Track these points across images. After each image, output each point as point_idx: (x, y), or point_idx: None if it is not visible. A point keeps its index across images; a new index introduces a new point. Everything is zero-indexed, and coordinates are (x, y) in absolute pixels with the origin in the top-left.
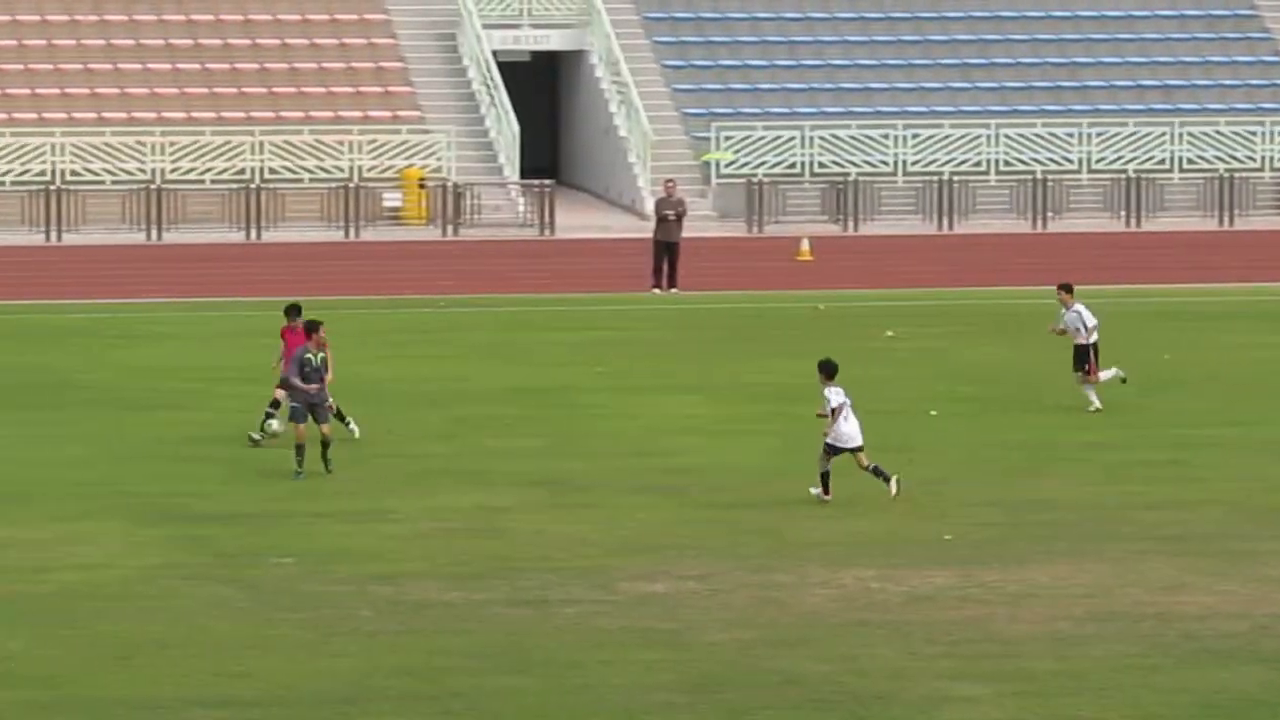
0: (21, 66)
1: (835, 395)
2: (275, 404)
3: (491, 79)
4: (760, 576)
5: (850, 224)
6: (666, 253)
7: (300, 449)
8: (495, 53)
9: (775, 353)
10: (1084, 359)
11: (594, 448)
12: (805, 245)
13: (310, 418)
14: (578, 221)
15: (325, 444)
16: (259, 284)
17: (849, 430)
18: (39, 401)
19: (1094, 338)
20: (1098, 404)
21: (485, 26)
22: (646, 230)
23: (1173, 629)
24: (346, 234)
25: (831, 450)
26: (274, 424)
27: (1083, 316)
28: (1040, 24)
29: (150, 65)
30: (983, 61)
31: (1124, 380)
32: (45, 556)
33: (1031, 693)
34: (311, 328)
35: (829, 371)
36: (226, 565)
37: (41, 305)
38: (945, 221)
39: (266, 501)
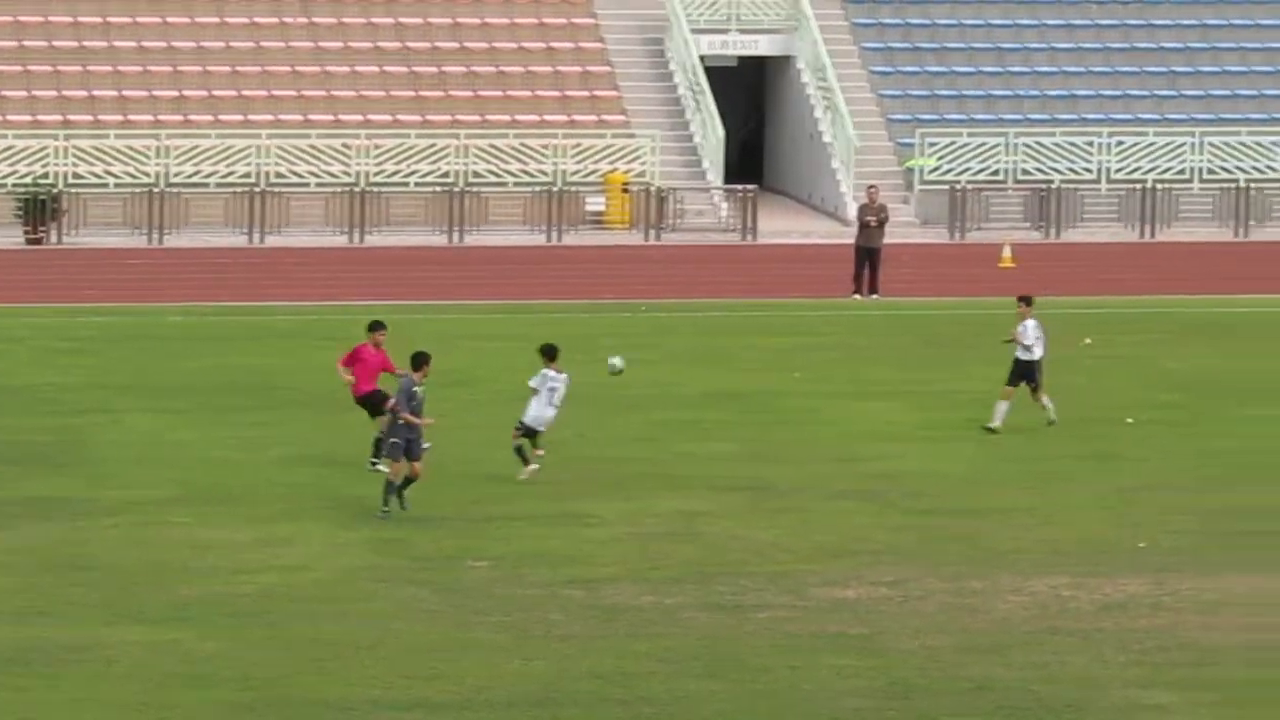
0: (229, 69)
1: (536, 379)
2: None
3: (698, 84)
4: (953, 583)
5: (1052, 231)
6: (868, 258)
7: (399, 487)
8: (702, 57)
9: (975, 360)
10: (1030, 374)
11: (792, 453)
12: (1007, 252)
13: (405, 453)
14: (780, 227)
15: (411, 480)
16: (461, 287)
17: (540, 414)
18: (244, 403)
19: (1038, 354)
20: (999, 423)
21: (693, 31)
22: (848, 236)
23: None
24: (549, 238)
25: (522, 429)
26: (382, 467)
27: (1037, 330)
28: (1247, 32)
29: (357, 68)
30: (1189, 70)
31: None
32: (246, 558)
33: (1225, 702)
34: (424, 359)
35: (549, 354)
36: (423, 568)
37: (245, 307)
38: (1148, 229)
39: (465, 505)
